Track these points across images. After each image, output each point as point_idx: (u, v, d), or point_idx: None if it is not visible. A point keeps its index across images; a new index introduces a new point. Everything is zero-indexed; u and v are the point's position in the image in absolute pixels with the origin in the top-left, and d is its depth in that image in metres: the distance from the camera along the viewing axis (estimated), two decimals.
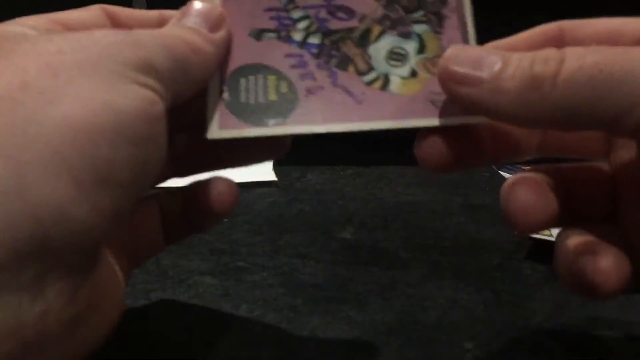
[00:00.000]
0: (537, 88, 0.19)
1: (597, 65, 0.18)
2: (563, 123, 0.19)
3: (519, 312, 0.30)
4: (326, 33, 0.24)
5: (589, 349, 0.27)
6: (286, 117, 0.23)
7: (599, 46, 0.19)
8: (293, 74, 0.23)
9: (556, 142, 0.25)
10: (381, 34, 0.24)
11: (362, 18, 0.24)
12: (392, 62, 0.24)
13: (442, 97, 0.22)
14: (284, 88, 0.23)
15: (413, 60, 0.24)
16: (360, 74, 0.23)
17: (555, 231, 0.36)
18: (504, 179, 0.51)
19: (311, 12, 0.24)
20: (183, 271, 0.34)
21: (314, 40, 0.24)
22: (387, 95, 0.23)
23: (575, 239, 0.22)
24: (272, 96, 0.23)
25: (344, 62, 0.24)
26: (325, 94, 0.23)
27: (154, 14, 0.25)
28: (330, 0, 0.25)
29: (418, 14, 0.24)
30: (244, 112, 0.23)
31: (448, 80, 0.21)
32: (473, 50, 0.21)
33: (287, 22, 0.24)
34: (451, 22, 0.24)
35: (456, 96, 0.21)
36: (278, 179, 0.48)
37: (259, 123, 0.23)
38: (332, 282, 0.33)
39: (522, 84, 0.19)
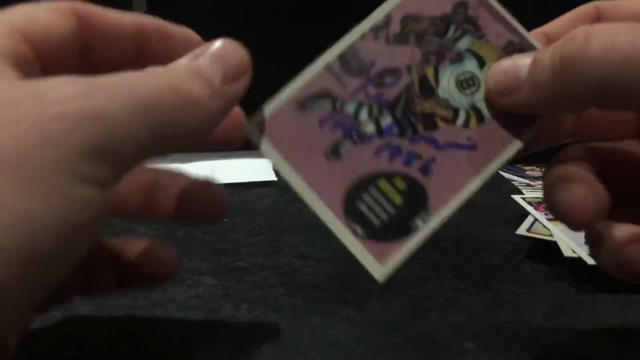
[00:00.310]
0: (569, 66, 0.19)
1: (631, 44, 0.18)
2: (599, 101, 0.20)
3: (519, 312, 0.30)
4: (390, 107, 0.22)
5: (589, 348, 0.27)
6: (426, 209, 0.21)
7: (632, 23, 0.19)
8: (397, 166, 0.22)
9: (590, 127, 0.25)
10: (437, 71, 0.23)
11: (408, 69, 0.22)
12: (468, 91, 0.22)
13: None
14: (401, 185, 0.21)
15: (482, 78, 0.22)
16: (451, 121, 0.22)
17: (555, 231, 0.36)
18: (503, 178, 0.52)
19: (360, 96, 0.22)
20: (183, 271, 0.34)
21: (386, 121, 0.22)
22: (489, 125, 0.22)
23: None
24: (397, 199, 0.21)
25: (430, 122, 0.22)
26: (439, 163, 0.22)
27: (131, 21, 0.21)
28: (368, 73, 0.22)
29: (451, 31, 0.23)
30: (387, 233, 0.21)
31: (495, 96, 0.22)
32: (505, 61, 0.22)
33: (348, 121, 0.22)
34: (485, 20, 0.23)
35: (507, 107, 0.22)
36: (278, 179, 0.48)
37: (409, 232, 0.21)
38: (332, 282, 0.33)
39: (554, 69, 0.20)
